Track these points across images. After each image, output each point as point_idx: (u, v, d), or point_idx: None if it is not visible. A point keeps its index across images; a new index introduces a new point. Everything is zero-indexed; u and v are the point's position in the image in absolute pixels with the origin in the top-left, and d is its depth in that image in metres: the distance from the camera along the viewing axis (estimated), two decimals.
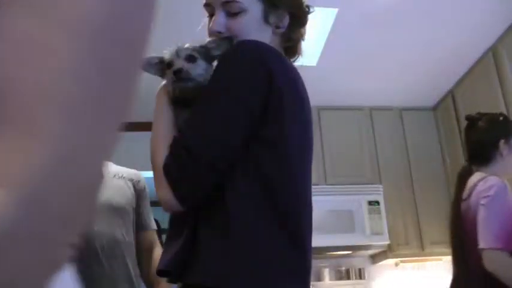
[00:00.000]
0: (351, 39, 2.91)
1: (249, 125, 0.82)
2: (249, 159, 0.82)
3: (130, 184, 1.71)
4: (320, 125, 3.61)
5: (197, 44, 0.92)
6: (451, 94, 3.58)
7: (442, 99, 3.72)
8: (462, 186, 1.86)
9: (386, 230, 3.34)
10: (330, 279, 3.52)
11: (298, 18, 1.00)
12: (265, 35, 0.93)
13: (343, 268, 3.56)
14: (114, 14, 0.22)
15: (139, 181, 1.75)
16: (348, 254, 3.55)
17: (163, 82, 0.94)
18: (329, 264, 3.54)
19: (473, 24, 2.82)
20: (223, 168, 0.80)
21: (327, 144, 3.59)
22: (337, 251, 3.42)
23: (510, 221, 1.66)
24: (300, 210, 0.86)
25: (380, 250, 3.48)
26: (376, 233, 3.32)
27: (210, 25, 0.95)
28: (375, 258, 3.66)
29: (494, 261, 1.62)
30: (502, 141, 1.82)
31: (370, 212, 3.36)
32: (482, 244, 1.65)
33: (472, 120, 1.95)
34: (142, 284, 1.69)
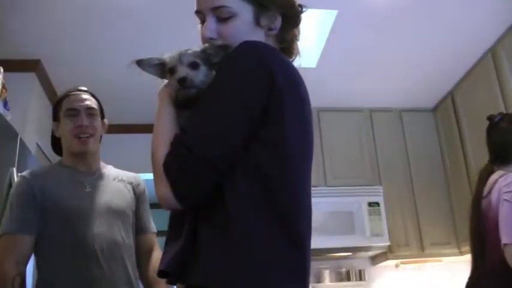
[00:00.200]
0: (350, 41, 2.91)
1: (250, 125, 0.82)
2: (249, 159, 0.82)
3: (130, 187, 1.71)
4: (320, 127, 3.61)
5: (197, 49, 0.93)
6: (450, 95, 3.59)
7: (442, 101, 3.72)
8: (483, 184, 1.86)
9: (386, 231, 3.34)
10: (330, 281, 3.52)
11: (291, 18, 1.00)
12: (258, 38, 0.92)
13: (344, 269, 3.56)
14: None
15: (138, 184, 1.75)
16: (348, 255, 3.54)
17: (165, 82, 0.95)
18: (329, 266, 3.54)
19: (472, 25, 2.82)
20: (223, 168, 0.80)
21: (327, 146, 3.59)
22: (337, 252, 3.42)
23: None
24: (299, 210, 0.86)
25: (380, 251, 3.48)
26: (376, 234, 3.32)
27: (202, 31, 0.95)
28: (375, 260, 3.66)
29: None
30: None
31: (370, 214, 3.36)
32: (505, 239, 1.63)
33: (493, 121, 1.95)
34: (142, 286, 1.69)
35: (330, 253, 3.39)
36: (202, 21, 0.96)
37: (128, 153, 3.27)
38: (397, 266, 3.64)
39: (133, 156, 3.09)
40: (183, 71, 0.89)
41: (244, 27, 0.92)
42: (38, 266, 1.55)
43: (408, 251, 3.45)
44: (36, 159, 2.56)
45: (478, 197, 1.87)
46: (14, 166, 2.06)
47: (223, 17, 0.92)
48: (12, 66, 2.66)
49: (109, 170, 1.73)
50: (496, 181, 1.79)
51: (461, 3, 2.63)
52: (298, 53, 1.04)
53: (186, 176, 0.80)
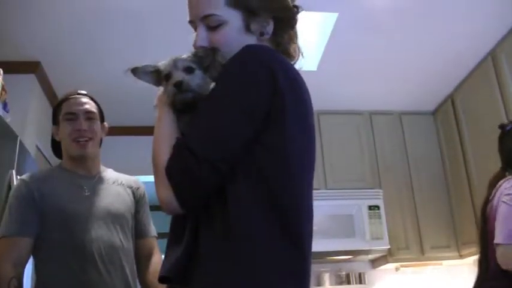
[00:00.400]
0: (350, 44, 2.91)
1: (251, 127, 0.82)
2: (251, 161, 0.82)
3: (129, 191, 1.71)
4: (320, 129, 3.61)
5: (190, 54, 0.94)
6: (450, 98, 3.58)
7: (442, 104, 3.72)
8: (491, 190, 1.91)
9: (386, 235, 3.33)
10: (330, 284, 3.51)
11: (285, 21, 0.99)
12: (250, 43, 0.92)
13: (343, 273, 3.55)
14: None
15: (138, 188, 1.75)
16: (348, 258, 3.54)
17: (162, 89, 0.95)
18: (329, 269, 3.53)
19: (472, 29, 2.82)
20: (225, 170, 0.80)
21: (327, 149, 3.59)
22: (337, 255, 3.41)
23: None
24: (301, 213, 0.85)
25: (380, 255, 3.47)
26: (376, 238, 3.31)
27: (194, 41, 0.95)
28: (375, 263, 3.65)
29: (506, 257, 1.63)
30: None
31: (370, 217, 3.35)
32: (496, 239, 1.67)
33: (505, 129, 2.00)
34: None
35: (330, 256, 3.38)
36: (196, 31, 0.97)
37: (127, 155, 3.27)
38: (397, 269, 3.63)
39: (132, 158, 3.09)
40: (178, 75, 0.90)
41: (235, 34, 0.92)
42: (36, 268, 1.55)
43: (408, 254, 3.44)
44: (35, 162, 2.55)
45: (485, 202, 1.91)
46: (13, 168, 2.06)
47: (212, 25, 0.92)
48: (12, 67, 2.66)
49: (109, 174, 1.72)
50: (500, 185, 1.83)
51: (461, 6, 2.63)
52: (300, 54, 1.03)
53: (188, 178, 0.79)
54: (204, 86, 0.90)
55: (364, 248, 3.32)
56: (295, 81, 0.89)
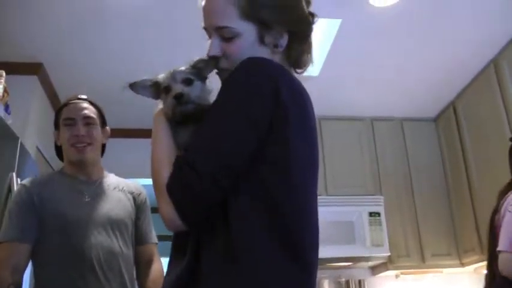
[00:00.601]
0: (353, 50, 2.91)
1: (254, 141, 0.81)
2: (253, 176, 0.81)
3: (130, 197, 1.70)
4: (321, 135, 3.60)
5: (188, 65, 0.94)
6: (452, 105, 3.58)
7: (444, 111, 3.72)
8: (499, 201, 1.95)
9: (387, 242, 3.32)
10: None
11: (299, 34, 0.97)
12: (262, 56, 0.91)
13: (343, 279, 3.53)
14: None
15: (139, 194, 1.74)
16: (348, 265, 3.52)
17: (160, 105, 0.95)
18: (329, 276, 3.51)
19: (475, 36, 2.82)
20: (226, 185, 0.79)
21: (328, 155, 3.58)
22: (337, 262, 3.39)
23: None
24: (304, 228, 0.84)
25: (380, 261, 3.46)
26: (377, 245, 3.29)
27: (207, 49, 0.95)
28: (375, 270, 3.63)
29: (506, 264, 1.66)
30: None
31: (370, 223, 3.34)
32: (499, 246, 1.72)
33: None
34: None
35: (330, 262, 3.37)
36: (210, 37, 0.96)
37: (127, 158, 3.26)
38: (397, 276, 3.61)
39: (132, 161, 3.09)
40: (178, 87, 0.90)
41: (248, 46, 0.92)
42: (35, 274, 1.54)
43: (409, 261, 3.42)
44: (36, 164, 2.54)
45: (493, 213, 1.95)
46: (13, 171, 2.05)
47: (226, 36, 0.92)
48: (14, 68, 2.67)
49: (110, 179, 1.72)
50: (508, 196, 1.86)
51: (464, 14, 2.63)
52: (308, 64, 1.02)
53: (189, 194, 0.78)
54: (204, 97, 0.91)
55: (364, 255, 3.30)
56: (298, 93, 0.88)
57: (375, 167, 3.64)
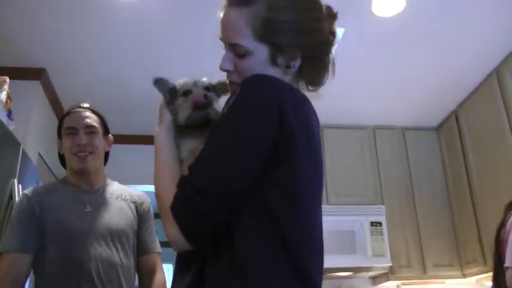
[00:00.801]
0: (356, 59, 2.92)
1: (259, 162, 0.80)
2: (258, 196, 0.80)
3: (132, 206, 1.68)
4: (323, 144, 3.59)
5: (208, 80, 1.00)
6: (454, 114, 3.57)
7: (446, 120, 3.71)
8: (505, 214, 1.95)
9: (388, 252, 3.29)
10: None
11: (314, 58, 0.96)
12: (273, 75, 0.90)
13: None
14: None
15: (142, 203, 1.72)
16: (349, 275, 3.49)
17: (158, 128, 0.96)
18: (329, 285, 3.48)
19: (477, 45, 2.83)
20: (232, 206, 0.79)
21: (330, 164, 3.57)
22: (338, 271, 3.36)
23: None
24: (309, 248, 0.83)
25: (381, 272, 3.43)
26: (378, 255, 3.27)
27: (220, 62, 0.95)
28: (376, 280, 3.61)
29: None
30: None
31: (372, 233, 3.31)
32: (506, 263, 1.72)
33: None
34: None
35: (331, 272, 3.34)
36: (225, 48, 0.97)
37: (130, 164, 3.26)
38: (398, 287, 3.58)
39: (135, 167, 3.08)
40: (200, 91, 0.95)
41: (259, 65, 0.91)
42: (36, 284, 1.53)
43: (410, 272, 3.40)
44: (37, 170, 2.54)
45: (499, 226, 1.96)
46: (15, 177, 2.04)
47: (238, 53, 0.92)
48: (17, 73, 2.67)
49: (113, 188, 1.71)
50: None
51: (467, 23, 2.64)
52: (325, 80, 1.01)
53: (194, 216, 0.78)
54: (215, 110, 0.95)
55: (365, 265, 3.27)
56: (303, 111, 0.88)
57: (376, 176, 3.62)
